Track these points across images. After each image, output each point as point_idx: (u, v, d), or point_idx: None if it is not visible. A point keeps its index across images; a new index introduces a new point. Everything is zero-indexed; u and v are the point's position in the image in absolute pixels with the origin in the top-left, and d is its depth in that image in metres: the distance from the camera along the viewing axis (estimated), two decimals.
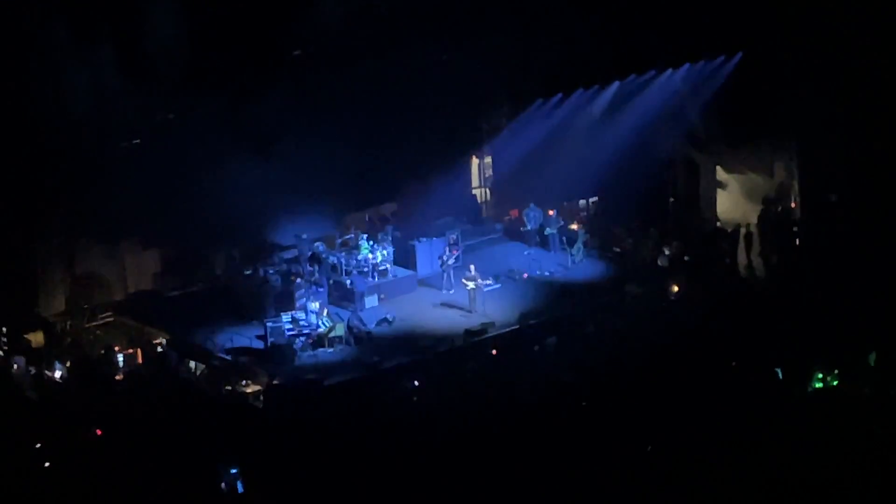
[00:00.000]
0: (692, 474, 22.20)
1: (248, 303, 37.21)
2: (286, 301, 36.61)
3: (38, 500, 22.74)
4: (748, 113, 40.33)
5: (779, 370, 27.12)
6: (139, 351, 34.91)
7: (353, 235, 40.17)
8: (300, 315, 35.64)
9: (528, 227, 42.75)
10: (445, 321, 36.79)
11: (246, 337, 35.61)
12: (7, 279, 35.77)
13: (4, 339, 34.37)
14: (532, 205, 42.83)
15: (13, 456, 24.85)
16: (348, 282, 37.98)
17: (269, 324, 35.26)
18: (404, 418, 27.71)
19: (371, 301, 37.57)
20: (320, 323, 35.28)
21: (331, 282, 38.20)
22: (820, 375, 27.08)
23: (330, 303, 37.02)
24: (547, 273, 40.53)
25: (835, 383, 27.01)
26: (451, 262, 39.17)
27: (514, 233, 43.75)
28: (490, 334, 35.38)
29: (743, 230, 41.03)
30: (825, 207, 40.27)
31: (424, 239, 40.74)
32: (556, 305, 37.50)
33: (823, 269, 36.44)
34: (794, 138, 41.15)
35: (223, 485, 24.11)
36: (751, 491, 21.64)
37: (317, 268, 38.42)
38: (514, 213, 44.50)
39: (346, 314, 36.18)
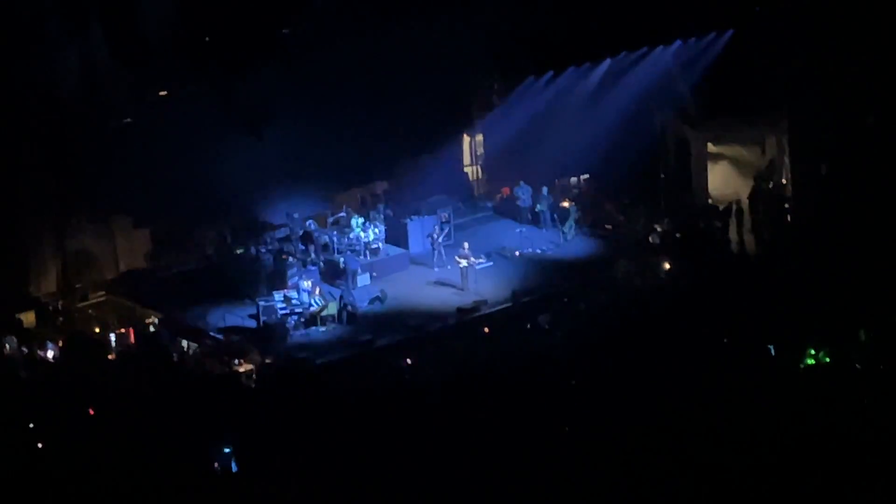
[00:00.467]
0: (684, 452, 22.22)
1: (240, 282, 37.21)
2: (278, 280, 36.63)
3: (32, 480, 22.71)
4: (739, 89, 40.33)
5: (771, 347, 27.12)
6: (131, 330, 34.96)
7: (344, 214, 40.17)
8: (292, 294, 35.66)
9: (521, 205, 42.69)
10: (437, 299, 36.86)
11: (238, 316, 35.69)
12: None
13: None
14: (521, 182, 42.80)
15: (6, 436, 24.82)
16: (341, 260, 37.98)
17: (261, 303, 35.30)
18: (396, 396, 27.70)
19: (363, 279, 37.56)
20: (312, 302, 35.31)
21: (322, 261, 38.21)
22: (812, 351, 27.09)
23: (322, 281, 37.04)
24: (539, 250, 40.54)
25: (827, 360, 27.01)
26: (440, 239, 39.18)
27: (506, 210, 43.73)
28: (482, 312, 35.43)
29: (734, 206, 41.06)
30: (816, 183, 40.26)
31: (416, 217, 40.76)
32: (548, 283, 37.56)
33: (814, 245, 36.43)
34: (784, 114, 41.11)
35: (216, 464, 24.12)
36: (743, 467, 21.66)
37: (312, 247, 38.44)
38: (506, 190, 44.49)
39: (338, 293, 36.20)
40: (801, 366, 26.92)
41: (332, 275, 37.82)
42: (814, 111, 39.22)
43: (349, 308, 35.56)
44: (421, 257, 39.80)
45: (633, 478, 21.71)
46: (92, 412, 26.48)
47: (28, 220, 37.03)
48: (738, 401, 23.81)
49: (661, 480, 21.63)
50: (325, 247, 38.70)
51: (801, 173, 40.88)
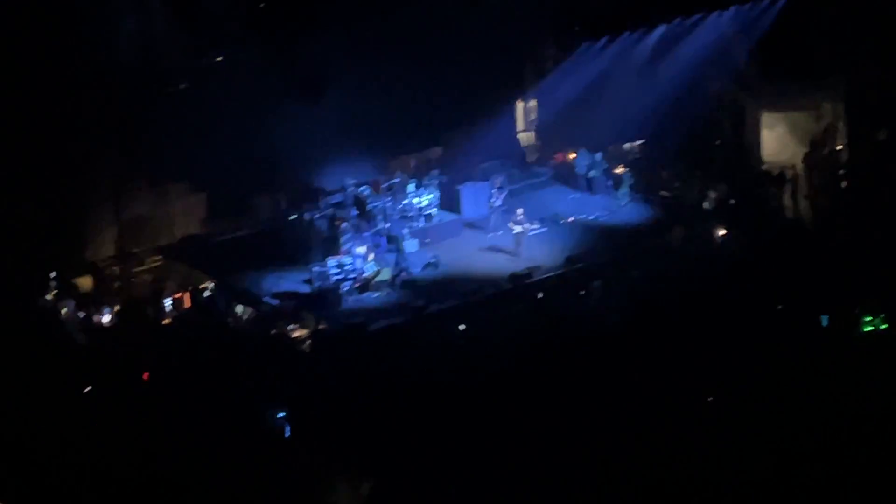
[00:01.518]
0: (738, 419, 22.23)
1: (293, 247, 37.34)
2: (332, 245, 36.72)
3: (88, 444, 22.99)
4: (795, 54, 40.06)
5: (824, 317, 27.00)
6: (187, 295, 35.17)
7: (398, 180, 40.19)
8: (346, 259, 35.72)
9: (577, 171, 42.51)
10: (491, 265, 36.78)
11: (292, 281, 35.79)
12: (56, 223, 36.00)
13: (54, 283, 34.66)
14: (583, 149, 42.59)
15: (63, 399, 25.09)
16: (387, 226, 38.03)
17: (314, 268, 35.40)
18: (450, 362, 27.80)
19: (411, 245, 37.46)
20: (366, 267, 35.38)
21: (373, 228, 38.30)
22: (868, 318, 26.98)
23: (375, 247, 37.13)
24: (592, 217, 40.43)
25: (883, 327, 26.91)
26: (497, 203, 39.18)
27: (560, 176, 43.62)
28: (535, 278, 35.42)
29: (790, 172, 40.82)
30: (873, 149, 40.01)
31: (469, 183, 40.72)
32: (602, 249, 37.45)
33: (870, 212, 36.21)
34: (841, 80, 40.82)
35: (270, 428, 24.30)
36: (798, 434, 21.66)
37: (373, 214, 38.43)
38: (560, 156, 44.37)
39: (392, 258, 36.25)
40: (858, 333, 26.84)
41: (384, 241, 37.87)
42: (871, 76, 38.94)
43: (404, 273, 35.63)
44: (474, 222, 39.83)
45: (690, 441, 21.78)
46: (146, 377, 26.70)
47: (85, 185, 37.26)
48: (794, 368, 23.80)
49: (719, 446, 21.68)
50: (379, 213, 38.71)
51: (857, 139, 40.60)
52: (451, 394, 24.46)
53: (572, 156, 42.99)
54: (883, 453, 21.14)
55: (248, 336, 32.21)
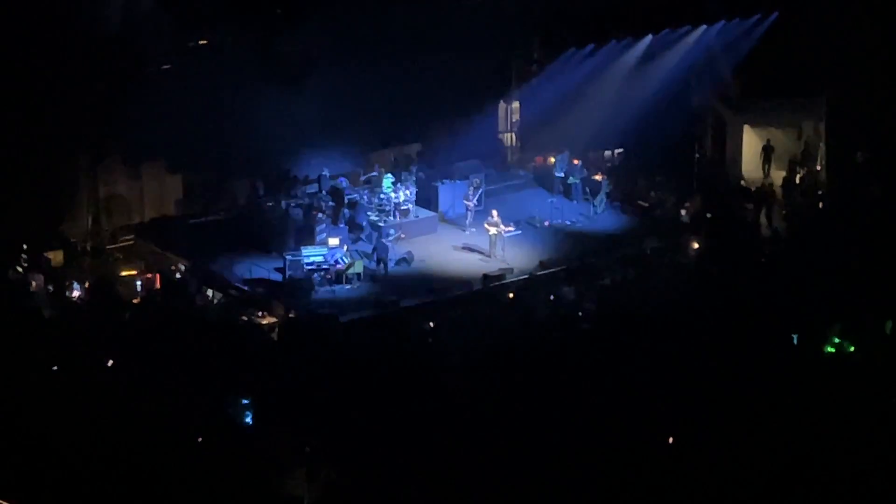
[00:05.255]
0: (702, 433, 22.23)
1: (268, 234, 37.27)
2: (306, 235, 36.67)
3: (50, 421, 22.85)
4: (780, 73, 40.17)
5: (794, 336, 27.00)
6: (157, 276, 35.07)
7: (377, 173, 40.16)
8: (320, 249, 35.67)
9: (557, 175, 42.49)
10: (464, 264, 36.90)
11: (265, 269, 35.74)
12: (32, 197, 35.83)
13: (24, 256, 34.51)
14: (564, 153, 42.57)
15: (28, 373, 24.93)
16: (347, 213, 38.03)
17: (288, 257, 35.35)
18: (417, 358, 27.75)
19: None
20: (339, 259, 35.34)
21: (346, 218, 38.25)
22: (836, 340, 26.98)
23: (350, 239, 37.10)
24: (568, 222, 40.47)
25: (851, 349, 26.91)
26: (474, 202, 39.18)
27: (538, 180, 43.65)
28: (508, 280, 35.43)
29: (767, 190, 40.93)
30: (851, 171, 40.14)
31: (448, 181, 40.70)
32: (576, 255, 37.47)
33: (846, 234, 36.26)
34: (823, 100, 40.96)
35: (233, 416, 24.20)
36: (760, 452, 21.65)
37: (346, 209, 38.36)
38: (539, 159, 44.40)
39: (367, 250, 36.29)
40: (824, 353, 26.84)
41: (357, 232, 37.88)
42: (852, 98, 39.07)
43: (383, 263, 35.66)
44: (450, 220, 39.84)
45: (649, 453, 21.75)
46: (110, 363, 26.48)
47: (62, 160, 37.11)
48: (759, 383, 23.80)
49: (676, 458, 21.66)
50: (353, 204, 38.67)
51: (836, 160, 40.74)
52: (415, 389, 24.41)
53: (552, 159, 43.01)
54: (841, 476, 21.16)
55: (216, 320, 32.08)
